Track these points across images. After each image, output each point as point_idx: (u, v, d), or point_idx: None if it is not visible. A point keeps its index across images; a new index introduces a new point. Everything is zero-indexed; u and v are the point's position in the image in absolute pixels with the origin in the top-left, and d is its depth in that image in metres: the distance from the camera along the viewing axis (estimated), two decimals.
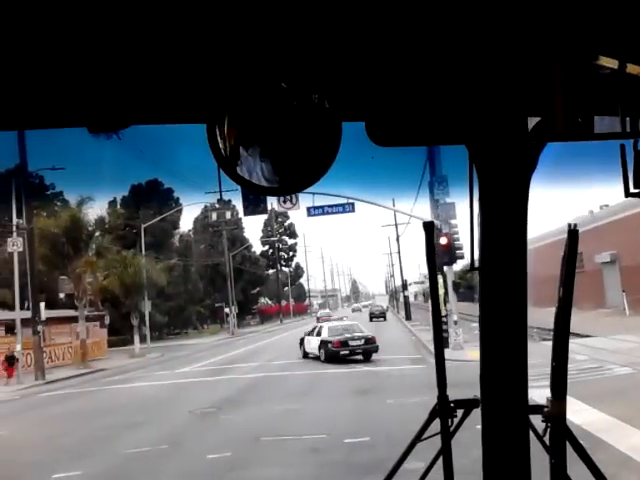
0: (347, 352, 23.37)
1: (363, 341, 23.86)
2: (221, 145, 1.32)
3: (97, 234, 46.45)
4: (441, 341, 1.73)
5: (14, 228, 31.69)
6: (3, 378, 26.92)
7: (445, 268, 27.85)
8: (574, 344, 20.69)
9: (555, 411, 1.59)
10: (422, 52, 1.28)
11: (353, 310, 76.53)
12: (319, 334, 25.47)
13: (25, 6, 1.18)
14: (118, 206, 55.36)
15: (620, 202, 26.87)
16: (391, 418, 12.76)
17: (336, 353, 23.42)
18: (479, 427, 1.62)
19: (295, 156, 1.29)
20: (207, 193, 57.91)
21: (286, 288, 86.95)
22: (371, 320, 53.46)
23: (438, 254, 27.01)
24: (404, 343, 30.73)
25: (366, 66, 1.31)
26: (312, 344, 25.62)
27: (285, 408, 15.38)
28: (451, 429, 1.68)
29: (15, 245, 30.88)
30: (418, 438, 1.65)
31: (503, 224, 1.50)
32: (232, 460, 10.91)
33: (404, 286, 59.17)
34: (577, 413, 10.81)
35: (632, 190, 1.44)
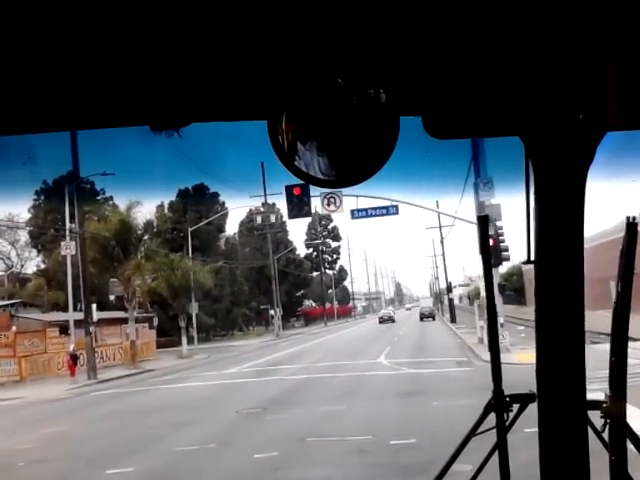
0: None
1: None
2: (280, 140, 1.35)
3: (146, 237, 47.51)
4: (496, 337, 1.72)
5: (67, 232, 32.73)
6: (66, 376, 27.83)
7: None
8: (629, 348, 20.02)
9: (614, 407, 1.56)
10: (477, 44, 1.29)
11: (406, 309, 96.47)
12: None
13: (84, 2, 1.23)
14: (166, 210, 56.52)
15: None
16: (437, 420, 12.63)
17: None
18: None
19: (352, 150, 1.31)
20: (252, 197, 58.57)
21: (330, 290, 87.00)
22: (421, 320, 58.02)
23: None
24: (450, 346, 30.34)
25: (423, 59, 1.32)
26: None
27: (330, 409, 15.40)
28: (507, 424, 1.67)
29: (68, 249, 31.92)
30: (473, 432, 1.65)
31: (560, 217, 1.49)
32: (278, 460, 10.99)
33: (449, 289, 58.44)
34: (632, 418, 10.46)
35: None
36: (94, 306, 30.81)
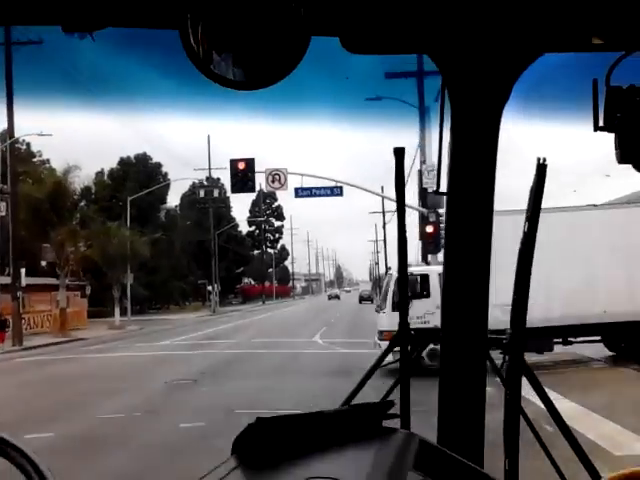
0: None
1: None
2: (195, 48, 1.32)
3: (82, 204, 46.08)
4: (405, 276, 1.73)
5: None
6: None
7: (429, 257, 27.93)
8: None
9: (513, 345, 1.61)
10: None
11: (346, 292, 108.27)
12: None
13: None
14: (105, 177, 54.92)
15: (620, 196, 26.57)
16: (363, 397, 12.84)
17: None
18: None
19: (263, 57, 1.30)
20: (196, 170, 57.65)
21: (270, 269, 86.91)
22: (360, 302, 60.34)
23: (424, 242, 27.12)
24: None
25: None
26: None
27: (261, 384, 15.46)
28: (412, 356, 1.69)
29: None
30: (378, 364, 1.66)
31: (473, 151, 1.50)
32: (204, 430, 10.95)
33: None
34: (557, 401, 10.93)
35: (601, 124, 1.46)
36: (23, 271, 29.72)
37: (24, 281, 29.94)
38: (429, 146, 28.22)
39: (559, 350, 17.02)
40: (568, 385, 12.66)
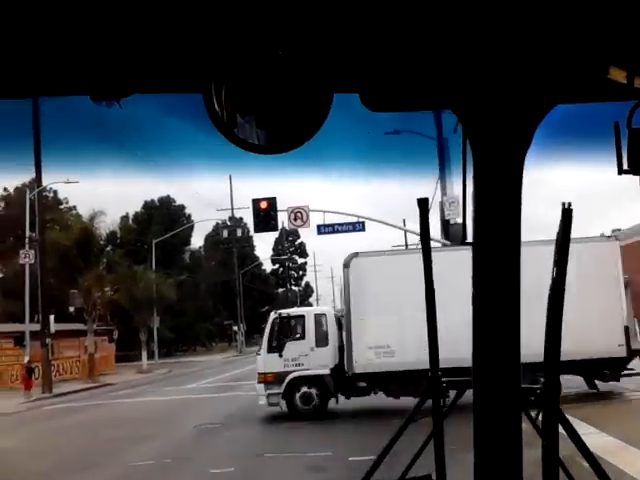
0: None
1: None
2: (219, 113, 1.35)
3: (108, 248, 46.75)
4: (434, 323, 1.71)
5: (27, 240, 31.98)
6: (20, 389, 26.96)
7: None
8: None
9: (548, 394, 1.57)
10: (415, 18, 1.29)
11: None
12: None
13: None
14: (130, 221, 55.77)
15: (633, 225, 26.43)
16: None
17: None
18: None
19: (285, 120, 1.32)
20: (219, 210, 58.25)
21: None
22: None
23: None
24: None
25: (360, 36, 1.33)
26: None
27: (288, 426, 15.25)
28: (444, 410, 1.66)
29: (27, 257, 31.13)
30: (410, 418, 1.63)
31: (497, 199, 1.50)
32: (235, 475, 10.81)
33: None
34: (589, 435, 10.63)
35: (625, 167, 1.45)
36: (52, 317, 30.06)
37: (53, 327, 30.24)
38: (449, 177, 28.21)
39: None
40: (604, 418, 12.29)
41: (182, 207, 58.70)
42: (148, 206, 56.96)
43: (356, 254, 16.85)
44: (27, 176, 34.95)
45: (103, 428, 16.84)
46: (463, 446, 1.72)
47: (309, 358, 16.25)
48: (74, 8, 1.30)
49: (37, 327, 29.53)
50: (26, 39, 1.36)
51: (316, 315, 17.26)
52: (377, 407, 16.68)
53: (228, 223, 59.43)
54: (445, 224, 27.59)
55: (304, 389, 16.18)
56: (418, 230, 1.69)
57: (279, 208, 28.50)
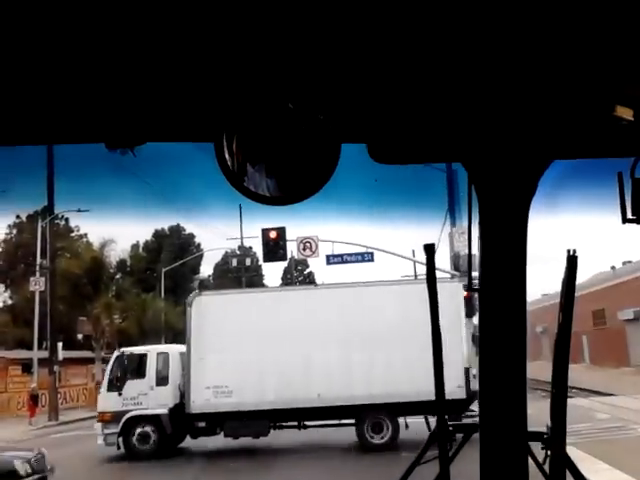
0: None
1: None
2: (229, 162, 1.39)
3: (118, 276, 46.88)
4: (441, 365, 1.73)
5: (37, 268, 32.16)
6: (26, 416, 26.81)
7: (464, 321, 27.41)
8: (596, 402, 20.11)
9: (555, 439, 1.57)
10: (422, 72, 1.34)
11: None
12: None
13: (44, 22, 1.26)
14: (140, 249, 56.01)
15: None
16: None
17: None
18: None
19: (295, 171, 1.35)
20: (228, 239, 58.36)
21: None
22: None
23: None
24: None
25: (368, 90, 1.37)
26: None
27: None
28: (450, 454, 1.66)
29: (37, 284, 31.27)
30: (417, 461, 1.64)
31: (503, 246, 1.52)
32: None
33: None
34: (598, 473, 10.45)
35: (629, 216, 1.47)
36: (60, 344, 30.05)
37: (61, 355, 30.20)
38: (458, 208, 28.22)
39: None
40: (614, 454, 12.07)
41: (192, 236, 58.96)
42: (158, 234, 57.25)
43: (199, 292, 16.97)
44: (39, 204, 35.34)
45: (109, 458, 16.70)
46: None
47: (148, 397, 16.09)
48: (90, 58, 1.35)
49: (45, 354, 29.51)
50: (43, 88, 1.41)
51: (159, 354, 17.18)
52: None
53: (237, 252, 59.52)
54: (455, 255, 27.52)
55: (140, 429, 16.04)
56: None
57: (288, 237, 28.58)
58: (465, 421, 15.21)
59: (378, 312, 15.58)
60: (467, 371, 15.65)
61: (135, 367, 16.77)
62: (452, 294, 15.45)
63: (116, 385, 16.48)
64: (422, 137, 1.41)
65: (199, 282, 60.79)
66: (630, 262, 37.08)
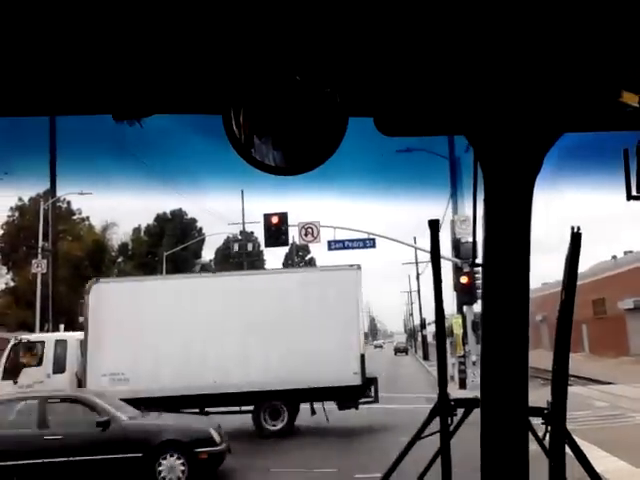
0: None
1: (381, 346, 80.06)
2: (237, 133, 1.39)
3: (120, 260, 47.03)
4: (444, 341, 1.74)
5: (39, 250, 32.25)
6: None
7: (465, 308, 27.47)
8: (595, 391, 20.22)
9: (555, 414, 1.59)
10: (428, 45, 1.34)
11: (374, 347, 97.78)
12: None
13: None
14: (142, 233, 56.12)
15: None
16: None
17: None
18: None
19: (302, 143, 1.36)
20: (230, 224, 58.45)
21: None
22: (395, 354, 61.04)
23: (458, 293, 26.79)
24: (421, 382, 30.27)
25: (376, 62, 1.37)
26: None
27: None
28: (451, 428, 1.68)
29: (39, 267, 31.38)
30: (417, 436, 1.65)
31: (507, 221, 1.53)
32: None
33: (423, 325, 58.40)
34: (595, 460, 10.52)
35: (634, 193, 1.48)
36: (62, 326, 30.21)
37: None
38: (461, 196, 28.19)
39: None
40: (612, 442, 12.15)
41: (194, 220, 59.02)
42: (160, 219, 57.30)
43: (97, 280, 16.81)
44: (42, 187, 35.36)
45: None
46: (470, 466, 1.74)
47: (45, 385, 15.71)
48: (97, 29, 1.35)
49: None
50: (48, 58, 1.41)
51: (57, 341, 17.02)
52: (385, 425, 16.57)
53: (239, 237, 59.60)
54: (456, 243, 27.54)
55: None
56: (428, 248, 1.73)
57: (290, 223, 28.60)
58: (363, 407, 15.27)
59: (276, 300, 15.52)
60: (362, 357, 15.67)
61: (32, 355, 16.62)
62: (350, 282, 15.57)
63: (12, 373, 16.27)
64: (430, 109, 1.42)
65: (200, 266, 60.98)
66: (631, 252, 37.12)
